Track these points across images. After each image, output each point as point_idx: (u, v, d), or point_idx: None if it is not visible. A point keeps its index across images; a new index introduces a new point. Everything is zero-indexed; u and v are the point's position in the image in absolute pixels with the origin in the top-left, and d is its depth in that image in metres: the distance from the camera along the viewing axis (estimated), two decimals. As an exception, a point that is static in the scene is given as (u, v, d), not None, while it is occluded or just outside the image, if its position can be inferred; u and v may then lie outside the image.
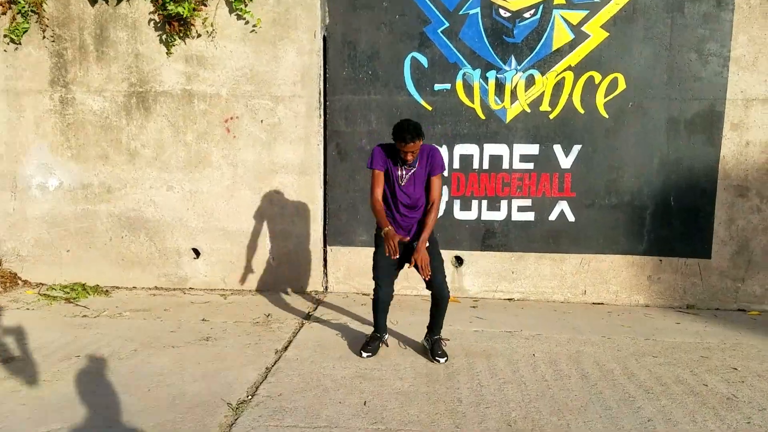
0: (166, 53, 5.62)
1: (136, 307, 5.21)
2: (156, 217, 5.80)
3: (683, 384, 3.87)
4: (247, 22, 5.52)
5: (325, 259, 5.77)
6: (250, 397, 3.57)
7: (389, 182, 4.07)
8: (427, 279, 4.03)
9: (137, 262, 5.85)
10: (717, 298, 5.52)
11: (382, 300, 4.14)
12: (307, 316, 5.03)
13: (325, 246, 5.77)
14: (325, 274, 5.80)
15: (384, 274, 4.13)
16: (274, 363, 4.06)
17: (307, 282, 5.79)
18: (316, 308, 5.26)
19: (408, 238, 4.11)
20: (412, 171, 4.04)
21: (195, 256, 5.84)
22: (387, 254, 3.95)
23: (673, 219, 5.47)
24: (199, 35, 5.58)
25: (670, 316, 5.27)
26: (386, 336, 4.36)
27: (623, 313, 5.32)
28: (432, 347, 4.21)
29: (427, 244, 4.06)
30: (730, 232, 5.43)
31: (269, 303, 5.38)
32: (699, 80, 5.31)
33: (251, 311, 5.14)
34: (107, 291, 5.67)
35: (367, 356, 4.18)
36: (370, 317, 4.94)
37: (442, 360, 4.13)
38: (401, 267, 4.22)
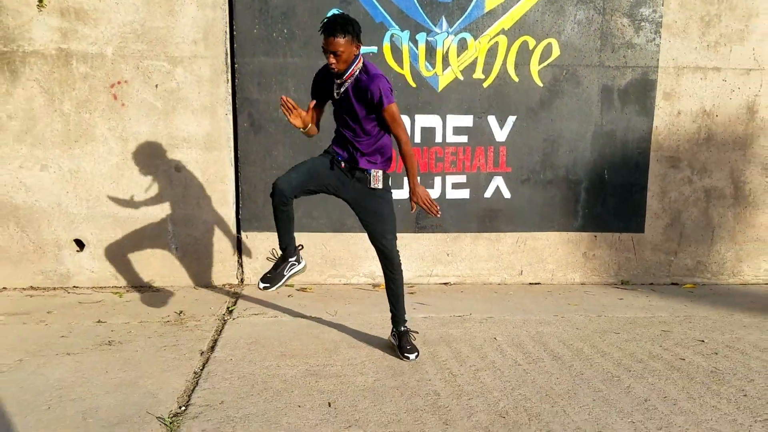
0: (38, 5, 4.63)
1: (11, 311, 4.22)
2: (28, 203, 4.78)
3: (660, 359, 3.58)
4: (138, -31, 4.69)
5: (239, 248, 5.03)
6: (183, 407, 2.84)
7: (328, 101, 3.51)
8: (437, 215, 3.49)
9: (6, 257, 4.79)
10: (651, 273, 5.38)
11: (279, 191, 3.31)
12: (228, 312, 4.29)
13: (239, 232, 5.02)
14: (240, 264, 5.05)
15: (296, 169, 3.44)
16: (203, 366, 3.32)
17: (218, 275, 5.01)
18: (235, 302, 4.52)
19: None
20: (344, 91, 3.35)
21: (79, 249, 4.89)
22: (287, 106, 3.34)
23: (607, 193, 5.26)
24: (78, -17, 4.66)
25: (610, 293, 5.05)
26: (296, 249, 3.58)
27: (564, 292, 5.03)
28: (399, 342, 3.56)
29: (379, 187, 3.48)
30: (662, 205, 5.31)
31: (177, 299, 4.57)
32: (632, 47, 5.13)
33: (157, 309, 4.32)
34: (-33, 294, 4.61)
35: (265, 287, 3.47)
36: (303, 310, 4.34)
37: (411, 356, 3.49)
38: (319, 190, 3.52)
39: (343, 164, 3.46)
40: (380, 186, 3.48)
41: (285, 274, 3.54)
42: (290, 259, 3.56)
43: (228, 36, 4.83)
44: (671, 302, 4.80)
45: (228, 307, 4.37)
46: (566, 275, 5.32)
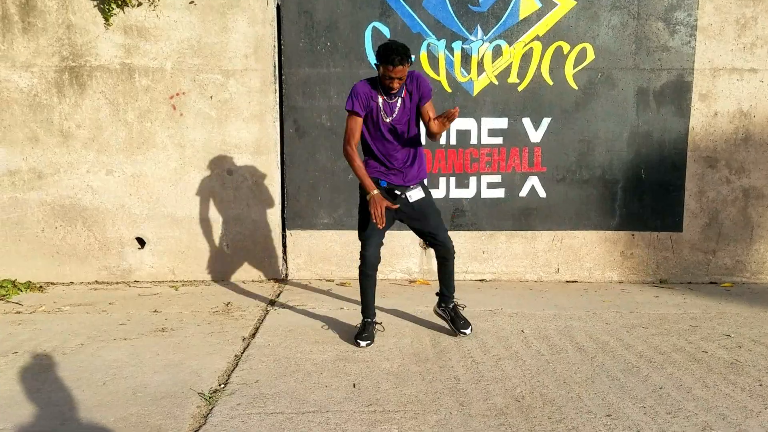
0: (104, 24, 5.08)
1: (77, 302, 4.65)
2: (94, 204, 5.24)
3: (683, 352, 3.67)
4: (193, -11, 5.08)
5: (284, 245, 5.35)
6: (222, 385, 3.14)
7: (373, 124, 3.62)
8: (452, 115, 3.44)
9: (74, 254, 5.26)
10: (689, 272, 5.41)
11: (370, 263, 3.67)
12: (271, 303, 4.61)
13: (284, 230, 5.34)
14: (285, 260, 5.37)
15: (373, 233, 3.68)
16: (244, 350, 3.62)
17: (265, 270, 5.35)
18: (278, 295, 4.83)
19: (395, 205, 3.68)
20: (400, 102, 3.61)
21: (140, 246, 5.31)
22: (375, 221, 3.55)
23: (644, 192, 5.33)
24: (140, 3, 5.07)
25: (646, 291, 5.12)
26: (376, 321, 3.88)
27: (600, 290, 5.13)
28: (453, 317, 3.90)
29: (422, 196, 3.72)
30: (700, 204, 5.34)
31: (226, 292, 4.92)
32: (667, 50, 5.20)
33: (208, 301, 4.67)
34: (41, 287, 5.06)
35: (367, 344, 3.71)
36: (339, 302, 4.62)
37: (467, 331, 3.86)
38: (389, 227, 3.80)
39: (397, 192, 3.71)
40: (424, 190, 3.78)
41: (374, 332, 3.83)
42: (374, 320, 3.86)
43: (276, 50, 5.16)
44: (706, 300, 4.83)
45: (271, 299, 4.69)
46: (604, 273, 5.41)
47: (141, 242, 5.30)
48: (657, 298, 4.90)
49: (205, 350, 3.61)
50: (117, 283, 5.24)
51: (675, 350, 3.70)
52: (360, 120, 3.62)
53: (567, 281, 5.38)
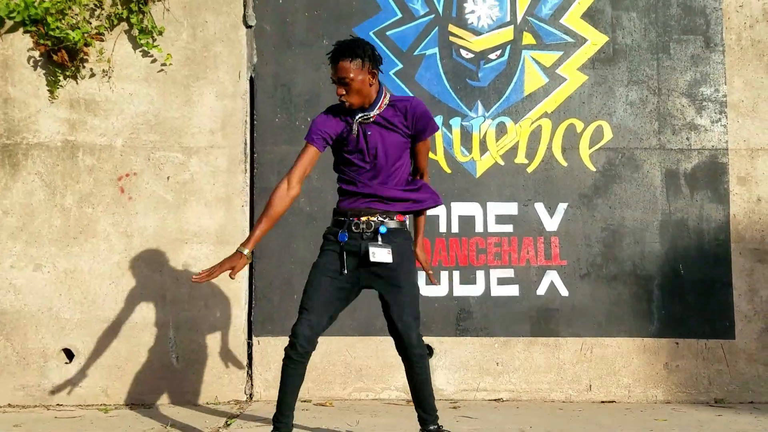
0: (48, 97, 4.38)
1: (-33, 425, 3.52)
2: (16, 306, 4.23)
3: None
4: (154, 60, 4.43)
5: (249, 356, 4.29)
6: None
7: (346, 150, 2.88)
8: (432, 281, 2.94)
9: (-18, 370, 4.17)
10: (749, 389, 4.37)
11: (298, 343, 2.69)
12: (225, 426, 3.48)
13: (249, 337, 4.31)
14: (250, 375, 4.28)
15: (313, 306, 2.77)
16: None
17: (224, 388, 4.22)
18: (236, 417, 3.71)
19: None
20: (376, 128, 2.83)
21: (67, 360, 4.23)
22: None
23: (685, 291, 4.44)
24: (93, 74, 4.41)
25: (704, 411, 4.06)
26: None
27: (646, 409, 4.07)
28: None
29: (388, 260, 2.76)
30: (753, 306, 4.43)
31: (168, 416, 3.78)
32: (695, 128, 4.55)
33: (141, 424, 3.54)
34: (-68, 411, 3.93)
35: None
36: (317, 423, 3.52)
37: None
38: (351, 298, 2.93)
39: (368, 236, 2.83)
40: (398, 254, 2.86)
41: None
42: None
43: (248, 125, 4.47)
44: (786, 419, 3.79)
45: (226, 422, 3.57)
46: (646, 391, 4.35)
47: (69, 355, 4.23)
48: (721, 417, 3.85)
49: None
50: (35, 406, 4.10)
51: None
52: (315, 152, 2.88)
53: (602, 401, 4.30)
